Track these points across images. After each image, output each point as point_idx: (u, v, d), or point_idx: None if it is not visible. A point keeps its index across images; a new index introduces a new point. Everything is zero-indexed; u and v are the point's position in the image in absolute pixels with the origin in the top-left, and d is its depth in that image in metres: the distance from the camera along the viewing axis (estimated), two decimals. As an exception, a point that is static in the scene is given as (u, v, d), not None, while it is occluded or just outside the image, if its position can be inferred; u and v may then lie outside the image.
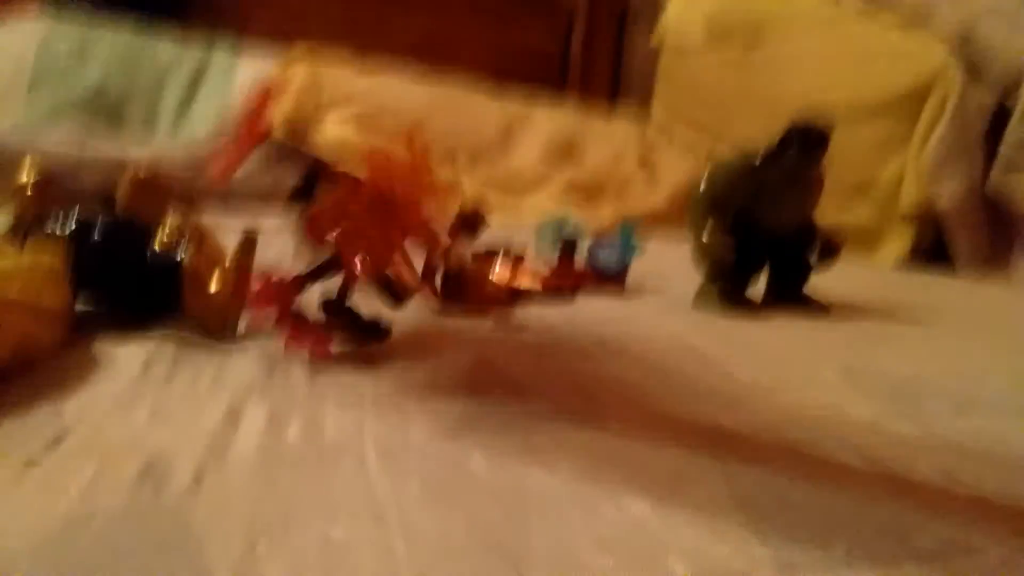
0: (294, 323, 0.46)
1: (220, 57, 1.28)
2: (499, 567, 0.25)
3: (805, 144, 0.63)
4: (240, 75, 1.25)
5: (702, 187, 0.67)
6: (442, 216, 0.56)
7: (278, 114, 1.14)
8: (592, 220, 0.65)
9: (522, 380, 0.44)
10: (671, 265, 0.80)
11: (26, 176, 0.51)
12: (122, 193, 0.52)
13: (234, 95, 1.22)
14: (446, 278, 0.58)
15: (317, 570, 0.24)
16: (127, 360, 0.43)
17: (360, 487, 0.30)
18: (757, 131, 1.28)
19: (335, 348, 0.46)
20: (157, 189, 0.54)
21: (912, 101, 1.12)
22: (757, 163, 0.65)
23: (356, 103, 1.18)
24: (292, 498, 0.29)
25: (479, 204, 0.60)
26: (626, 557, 0.26)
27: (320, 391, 0.40)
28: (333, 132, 1.14)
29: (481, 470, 0.32)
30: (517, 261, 0.68)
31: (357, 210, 0.44)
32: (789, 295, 0.67)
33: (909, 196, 1.11)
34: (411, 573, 0.24)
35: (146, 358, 0.44)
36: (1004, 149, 1.05)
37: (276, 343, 0.47)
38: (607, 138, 1.38)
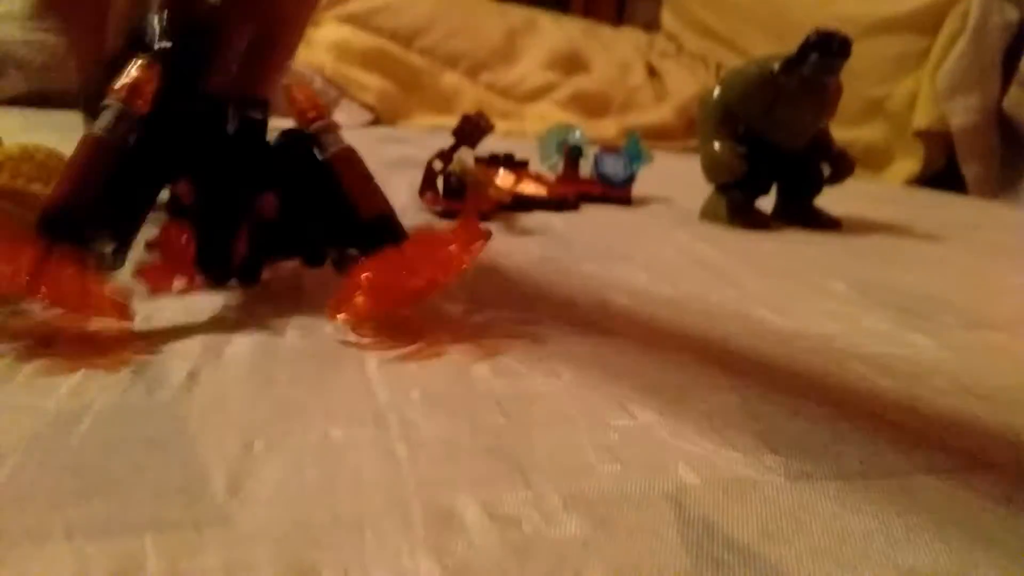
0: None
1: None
2: (503, 471, 0.24)
3: (827, 51, 0.61)
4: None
5: (715, 94, 0.65)
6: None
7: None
8: (598, 131, 0.63)
9: (525, 287, 0.43)
10: (678, 177, 0.78)
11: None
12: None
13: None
14: (448, 183, 0.56)
15: (317, 469, 0.24)
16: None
17: (360, 390, 0.29)
18: (769, 42, 1.23)
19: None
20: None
21: (932, 16, 1.08)
22: (775, 70, 0.62)
23: (355, 0, 1.14)
24: (290, 398, 0.28)
25: (481, 110, 0.58)
26: (634, 463, 0.25)
27: (319, 293, 0.39)
28: (331, 32, 1.10)
29: (484, 377, 0.31)
30: (521, 168, 0.66)
31: None
32: (799, 209, 0.66)
33: (922, 114, 1.08)
34: (413, 475, 0.24)
35: (139, 256, 0.42)
36: (1023, 66, 1.02)
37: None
38: (614, 47, 1.34)
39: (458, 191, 0.55)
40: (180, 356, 0.31)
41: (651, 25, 1.52)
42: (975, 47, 1.03)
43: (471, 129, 0.56)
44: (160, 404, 0.27)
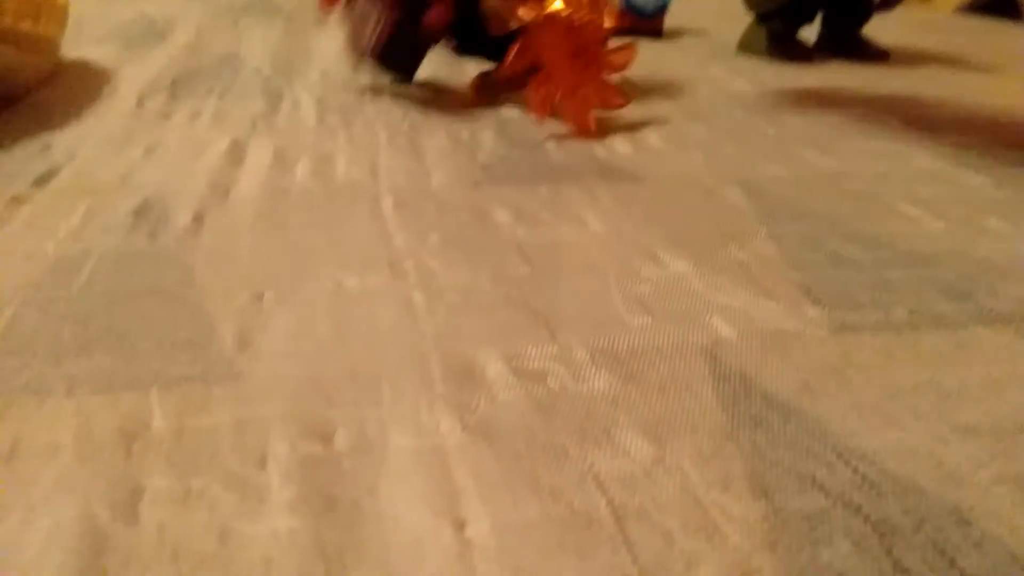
0: None
1: None
2: (527, 325, 0.23)
3: None
4: None
5: None
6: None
7: None
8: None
9: (550, 128, 0.40)
10: (714, 6, 0.73)
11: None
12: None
13: None
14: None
15: (329, 321, 0.22)
16: (121, 93, 0.40)
17: (376, 234, 0.28)
18: None
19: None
20: None
21: None
22: None
23: None
24: (300, 244, 0.27)
25: None
26: (666, 315, 0.24)
27: (331, 126, 0.37)
28: None
29: (507, 223, 0.29)
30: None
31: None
32: (845, 40, 0.61)
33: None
34: (431, 327, 0.22)
35: (141, 91, 0.40)
36: None
37: (281, 71, 0.43)
38: None
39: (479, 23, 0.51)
40: (184, 195, 0.29)
41: None
42: None
43: None
44: (164, 250, 0.26)
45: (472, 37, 0.46)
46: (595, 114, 0.40)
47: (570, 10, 0.40)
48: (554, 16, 0.40)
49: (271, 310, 0.23)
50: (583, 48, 0.40)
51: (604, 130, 0.40)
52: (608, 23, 0.44)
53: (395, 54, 0.44)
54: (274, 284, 0.24)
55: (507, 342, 0.22)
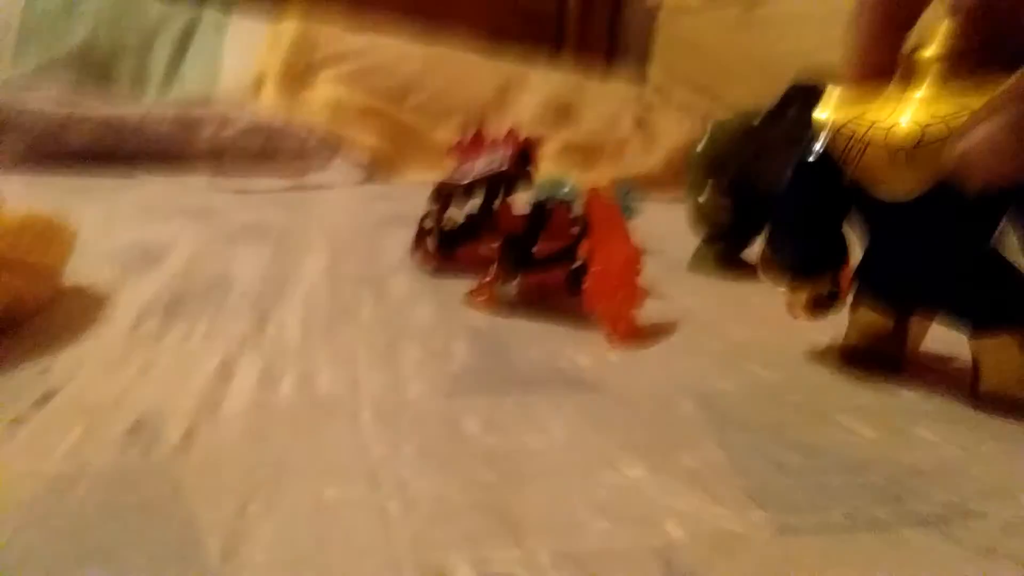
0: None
1: (210, 14, 1.26)
2: (495, 529, 0.25)
3: (806, 103, 0.62)
4: (231, 32, 1.23)
5: (700, 147, 0.66)
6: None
7: (271, 71, 1.12)
8: (589, 181, 0.64)
9: (518, 340, 0.43)
10: (667, 227, 0.79)
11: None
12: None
13: (225, 53, 1.20)
14: (442, 234, 0.57)
15: (309, 532, 0.24)
16: (117, 316, 0.43)
17: (354, 446, 0.30)
18: (756, 91, 1.26)
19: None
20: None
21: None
22: (757, 122, 0.64)
23: (349, 61, 1.16)
24: (284, 457, 0.29)
25: (530, 136, 0.57)
26: (623, 520, 0.26)
27: (313, 346, 0.40)
28: (325, 92, 1.12)
29: (476, 432, 0.32)
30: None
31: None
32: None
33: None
34: (405, 535, 0.24)
35: (138, 311, 0.43)
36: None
37: (269, 292, 0.47)
38: (603, 99, 1.37)
39: (450, 246, 0.56)
40: (176, 413, 0.31)
41: (641, 58, 1.55)
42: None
43: (524, 157, 0.55)
44: (156, 466, 0.27)
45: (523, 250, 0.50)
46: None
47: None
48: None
49: (255, 522, 0.24)
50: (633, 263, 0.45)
51: (555, 329, 0.44)
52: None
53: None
54: (258, 497, 0.26)
55: (475, 548, 0.24)
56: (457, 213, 0.57)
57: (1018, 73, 0.27)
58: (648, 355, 0.42)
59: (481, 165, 0.55)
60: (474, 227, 0.55)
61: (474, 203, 0.56)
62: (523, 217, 0.54)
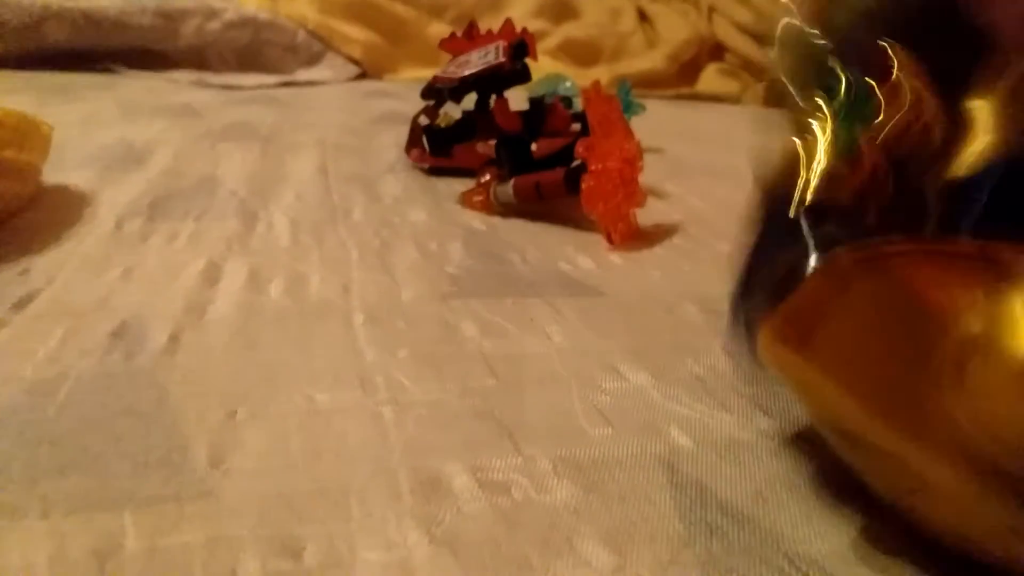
0: None
1: None
2: (492, 436, 0.24)
3: None
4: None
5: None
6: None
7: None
8: (589, 79, 0.62)
9: (516, 241, 0.42)
10: (670, 125, 0.77)
11: None
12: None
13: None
14: (436, 133, 0.55)
15: (300, 438, 0.23)
16: (99, 217, 0.41)
17: (347, 351, 0.29)
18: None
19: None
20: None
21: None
22: None
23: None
24: (274, 361, 0.27)
25: (526, 29, 0.54)
26: (626, 426, 0.25)
27: (303, 247, 0.39)
28: (294, 7, 1.07)
29: (474, 336, 0.31)
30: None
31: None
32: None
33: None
34: (400, 442, 0.23)
35: (120, 213, 0.41)
36: None
37: (257, 193, 0.45)
38: (604, -7, 1.31)
39: (445, 145, 0.54)
40: (161, 316, 0.30)
41: None
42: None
43: (519, 52, 0.52)
44: (140, 371, 0.26)
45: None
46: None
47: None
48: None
49: (244, 428, 0.24)
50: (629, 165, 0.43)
51: (562, 230, 0.42)
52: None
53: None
54: (247, 402, 0.25)
55: (473, 454, 0.23)
56: (453, 109, 0.55)
57: None
58: (650, 257, 0.41)
59: (475, 60, 0.52)
60: (470, 125, 0.53)
61: (469, 99, 0.53)
62: (520, 115, 0.51)
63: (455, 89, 0.52)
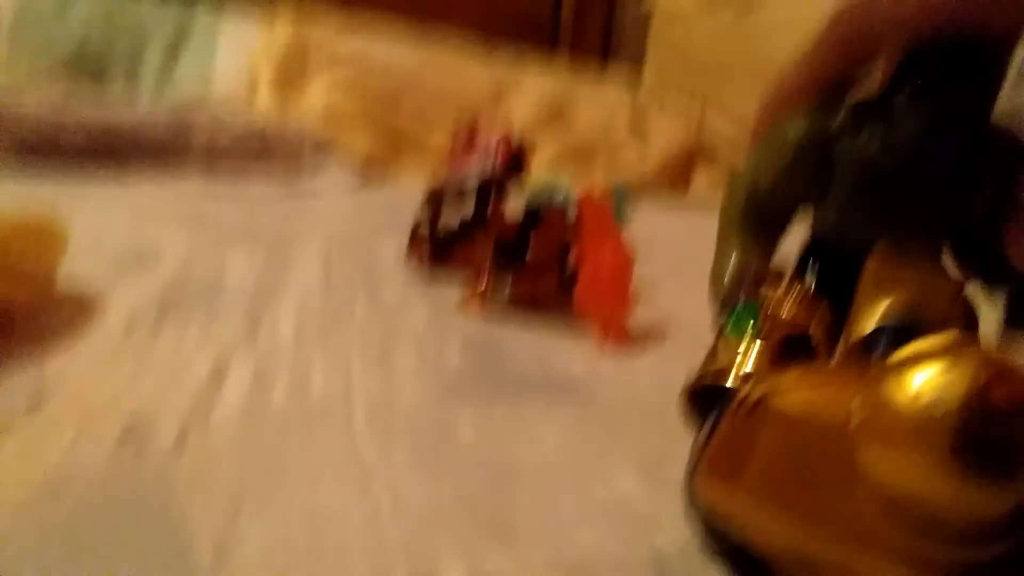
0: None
1: (202, 16, 1.25)
2: (486, 537, 0.25)
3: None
4: (223, 34, 1.23)
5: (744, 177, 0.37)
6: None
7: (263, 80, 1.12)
8: (583, 185, 0.64)
9: (512, 348, 0.43)
10: (661, 230, 0.79)
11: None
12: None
13: (218, 56, 1.20)
14: (436, 239, 0.57)
15: (301, 537, 0.24)
16: (110, 318, 0.42)
17: (347, 451, 0.30)
18: (749, 97, 1.26)
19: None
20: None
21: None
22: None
23: (343, 66, 1.16)
24: (277, 461, 0.29)
25: (523, 140, 0.57)
26: (613, 531, 0.26)
27: (307, 349, 0.40)
28: (319, 96, 1.12)
29: (469, 438, 0.32)
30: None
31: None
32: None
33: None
34: (397, 541, 0.24)
35: (130, 315, 0.43)
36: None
37: (262, 296, 0.47)
38: (598, 102, 1.37)
39: (444, 252, 0.56)
40: (168, 416, 0.31)
41: (636, 57, 1.55)
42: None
43: (516, 162, 0.55)
44: (148, 468, 0.27)
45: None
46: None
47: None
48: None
49: (247, 527, 0.24)
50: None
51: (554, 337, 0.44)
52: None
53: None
54: (250, 502, 0.26)
55: (467, 552, 0.24)
56: (452, 217, 0.57)
57: None
58: (640, 362, 0.43)
59: (474, 171, 0.55)
60: (468, 232, 0.55)
61: (468, 208, 0.56)
62: (516, 222, 0.54)
63: (455, 196, 0.54)
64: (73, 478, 0.26)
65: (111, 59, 1.18)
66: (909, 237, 0.28)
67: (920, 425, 0.16)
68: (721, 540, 0.23)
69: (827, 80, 0.31)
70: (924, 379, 0.16)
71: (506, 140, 0.56)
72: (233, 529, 0.24)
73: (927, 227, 0.29)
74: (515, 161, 0.54)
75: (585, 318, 0.44)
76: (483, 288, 0.50)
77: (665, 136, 1.28)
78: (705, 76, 1.36)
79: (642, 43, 1.57)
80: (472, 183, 0.54)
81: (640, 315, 0.47)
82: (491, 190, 0.54)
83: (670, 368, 0.41)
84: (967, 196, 0.27)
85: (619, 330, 0.45)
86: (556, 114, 1.30)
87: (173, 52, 1.21)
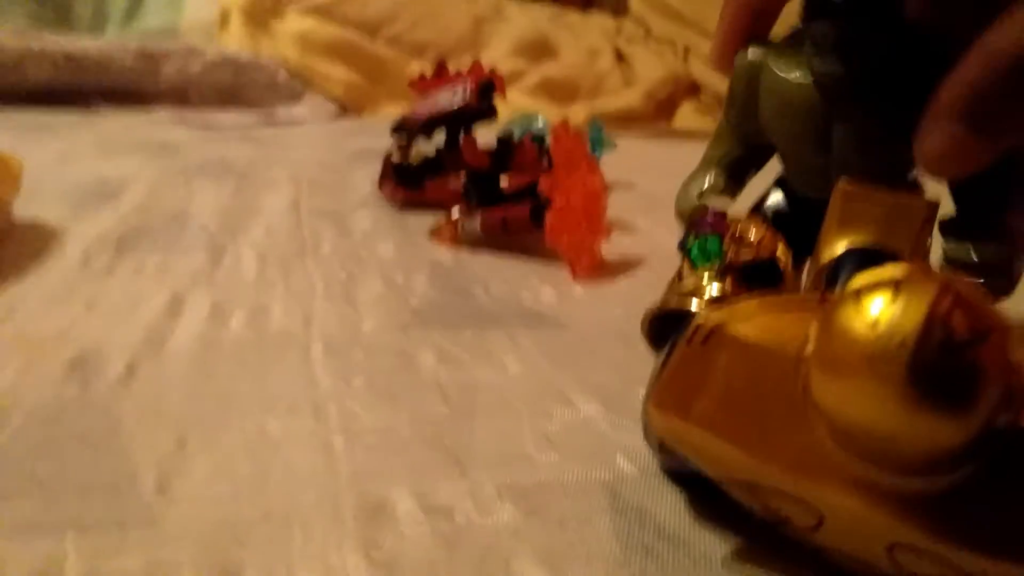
0: None
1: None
2: (441, 462, 0.24)
3: None
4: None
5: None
6: None
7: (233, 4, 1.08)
8: (564, 117, 0.63)
9: (481, 274, 0.42)
10: (642, 162, 0.78)
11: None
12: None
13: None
14: (405, 170, 0.56)
15: (248, 465, 0.23)
16: (67, 251, 0.41)
17: (302, 381, 0.29)
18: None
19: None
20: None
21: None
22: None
23: (319, -8, 1.12)
24: (229, 391, 0.28)
25: (494, 70, 0.55)
26: (573, 453, 0.25)
27: (269, 280, 0.39)
28: (294, 25, 1.09)
29: (430, 366, 0.31)
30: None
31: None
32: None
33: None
34: (348, 468, 0.24)
35: (87, 248, 0.42)
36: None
37: (227, 227, 0.46)
38: (582, 33, 1.34)
39: (416, 182, 0.55)
40: (120, 347, 0.30)
41: (619, 10, 1.51)
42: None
43: (486, 90, 0.53)
44: (94, 400, 0.27)
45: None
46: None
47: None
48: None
49: (193, 455, 0.24)
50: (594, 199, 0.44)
51: (525, 264, 0.43)
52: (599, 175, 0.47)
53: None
54: (199, 431, 0.25)
55: (419, 480, 0.23)
56: (426, 145, 0.56)
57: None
58: (613, 291, 0.42)
59: (443, 99, 0.53)
60: (439, 162, 0.54)
61: (438, 138, 0.54)
62: (488, 151, 0.52)
63: (423, 127, 0.53)
64: (15, 408, 0.26)
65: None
66: (865, 163, 0.27)
67: (876, 354, 0.15)
68: (677, 464, 0.22)
69: (754, 11, 0.30)
70: (881, 306, 0.15)
71: (477, 70, 0.54)
72: (179, 458, 0.23)
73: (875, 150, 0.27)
74: (485, 90, 0.52)
75: (556, 248, 0.43)
76: (454, 218, 0.49)
77: (651, 65, 1.26)
78: (688, 1, 1.33)
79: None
80: (438, 114, 0.52)
81: (616, 245, 0.46)
82: (461, 120, 0.52)
83: (642, 296, 0.41)
84: (905, 110, 0.25)
85: (590, 260, 0.44)
86: (540, 45, 1.27)
87: (142, -17, 1.17)
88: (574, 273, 0.43)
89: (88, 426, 0.25)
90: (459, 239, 0.48)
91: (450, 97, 0.52)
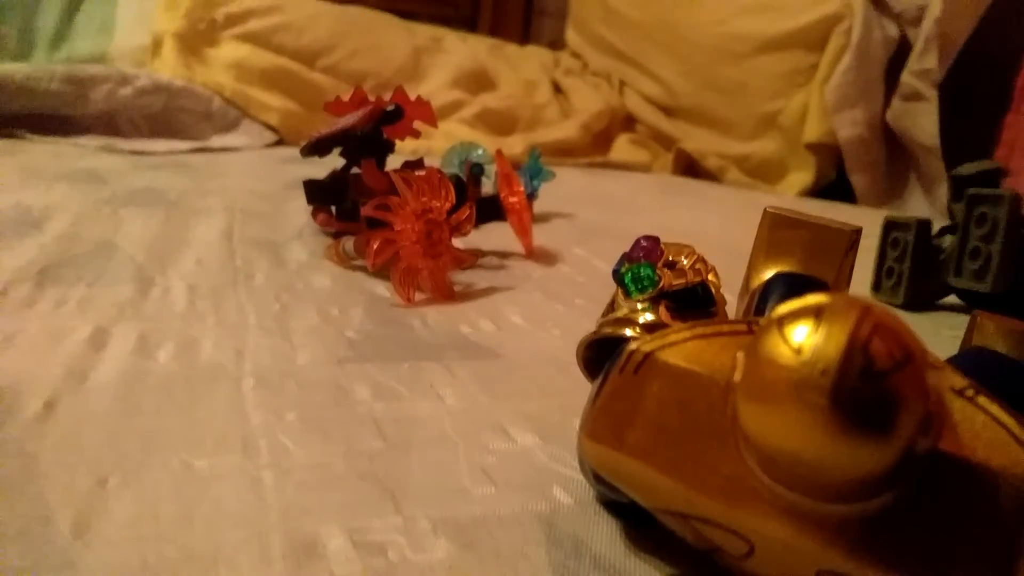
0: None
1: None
2: (374, 498, 0.24)
3: None
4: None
5: None
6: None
7: (169, 28, 1.07)
8: (504, 148, 0.63)
9: (419, 307, 0.42)
10: (579, 191, 0.79)
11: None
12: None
13: (119, 12, 1.13)
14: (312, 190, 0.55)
15: (172, 504, 0.23)
16: (-16, 285, 0.40)
17: (232, 415, 0.28)
18: (667, 60, 1.26)
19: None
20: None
21: (818, 33, 1.13)
22: None
23: (255, 19, 1.11)
24: (154, 427, 0.27)
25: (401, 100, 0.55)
26: (509, 485, 0.25)
27: (199, 312, 0.38)
28: (229, 52, 1.07)
29: (366, 399, 0.30)
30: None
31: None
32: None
33: (813, 128, 1.12)
34: (278, 506, 0.23)
35: (7, 280, 0.40)
36: (904, 79, 1.06)
37: (156, 258, 0.44)
38: (520, 66, 1.35)
39: (351, 213, 0.54)
40: (38, 383, 0.29)
41: (556, 43, 1.54)
42: (858, 62, 1.08)
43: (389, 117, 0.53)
44: (8, 440, 0.25)
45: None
46: (451, 278, 0.43)
47: (426, 206, 0.43)
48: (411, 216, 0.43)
49: (114, 495, 0.23)
50: (435, 226, 0.43)
51: (463, 296, 0.43)
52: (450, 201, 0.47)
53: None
54: (120, 470, 0.24)
55: (352, 517, 0.23)
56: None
57: None
58: (552, 318, 0.42)
59: (342, 122, 0.53)
60: (341, 183, 0.53)
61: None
62: (385, 177, 0.51)
63: (313, 146, 0.53)
64: (-77, 450, 0.24)
65: (2, 15, 1.11)
66: None
67: (800, 381, 0.15)
68: (614, 494, 0.22)
69: None
70: (804, 334, 0.16)
71: (400, 95, 0.54)
72: (98, 499, 0.22)
73: None
74: (385, 119, 0.52)
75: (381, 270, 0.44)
76: (338, 242, 0.49)
77: (588, 97, 1.27)
78: (627, 38, 1.35)
79: (564, 8, 1.55)
80: (325, 135, 0.52)
81: (555, 272, 0.46)
82: (355, 143, 0.52)
83: (578, 324, 0.41)
84: None
85: (439, 285, 0.44)
86: (479, 76, 1.28)
87: (70, 8, 1.14)
88: (405, 299, 0.42)
89: (3, 468, 0.24)
90: (344, 259, 0.48)
91: (348, 120, 0.53)
